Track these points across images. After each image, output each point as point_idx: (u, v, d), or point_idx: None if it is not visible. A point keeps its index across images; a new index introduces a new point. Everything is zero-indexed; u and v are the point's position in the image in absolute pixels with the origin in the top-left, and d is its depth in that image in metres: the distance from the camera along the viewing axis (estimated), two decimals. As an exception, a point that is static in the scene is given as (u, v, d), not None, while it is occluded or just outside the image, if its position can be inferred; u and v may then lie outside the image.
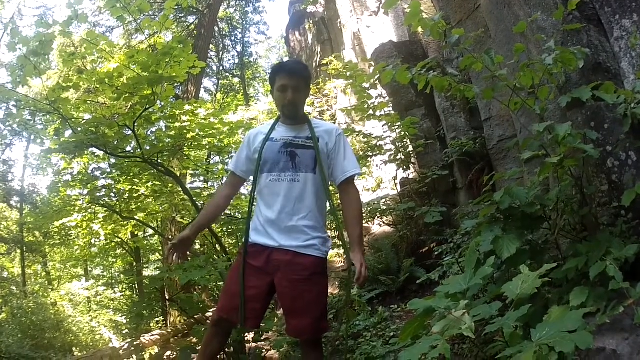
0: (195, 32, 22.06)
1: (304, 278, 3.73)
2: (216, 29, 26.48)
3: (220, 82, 33.82)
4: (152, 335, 12.10)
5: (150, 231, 16.50)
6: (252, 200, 4.00)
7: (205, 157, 14.12)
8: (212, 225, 8.11)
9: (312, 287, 3.78)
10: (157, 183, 8.78)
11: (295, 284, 3.73)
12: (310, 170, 3.86)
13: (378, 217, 9.84)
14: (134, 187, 8.76)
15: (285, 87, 3.87)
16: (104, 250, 19.28)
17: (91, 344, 19.00)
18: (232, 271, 4.04)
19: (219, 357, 4.92)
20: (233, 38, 32.85)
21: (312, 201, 3.85)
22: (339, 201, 11.08)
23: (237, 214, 10.64)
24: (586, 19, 4.49)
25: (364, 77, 9.25)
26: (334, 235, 13.19)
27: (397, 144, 9.33)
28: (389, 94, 10.12)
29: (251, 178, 4.09)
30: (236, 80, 34.82)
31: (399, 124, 8.99)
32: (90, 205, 9.16)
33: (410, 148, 9.32)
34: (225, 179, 4.17)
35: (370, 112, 9.50)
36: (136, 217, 9.50)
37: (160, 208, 9.95)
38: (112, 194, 9.02)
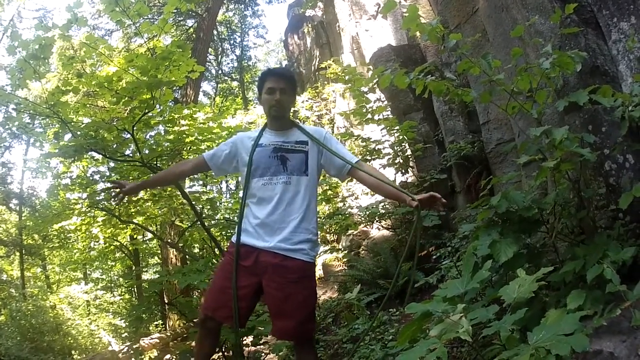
0: (194, 35, 22.06)
1: (292, 281, 3.79)
2: (215, 32, 26.49)
3: (219, 85, 33.86)
4: (151, 338, 12.11)
5: (149, 235, 16.48)
6: (243, 204, 4.01)
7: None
8: (212, 230, 8.13)
9: (299, 290, 3.83)
10: (155, 187, 8.78)
11: (283, 287, 3.78)
12: (301, 173, 3.93)
13: (377, 221, 9.85)
14: (133, 190, 8.75)
15: (273, 90, 3.99)
16: (103, 253, 19.28)
17: (90, 347, 19.03)
18: (217, 269, 4.16)
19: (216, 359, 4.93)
20: (232, 41, 32.91)
21: (304, 203, 3.90)
22: (340, 204, 11.10)
23: (235, 217, 10.63)
24: (584, 22, 4.51)
25: (362, 80, 9.27)
26: (333, 239, 13.23)
27: (396, 148, 9.34)
28: (388, 97, 10.13)
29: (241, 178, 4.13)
30: (235, 83, 34.85)
31: (397, 127, 9.01)
32: (89, 208, 9.16)
33: (409, 152, 9.33)
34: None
35: (369, 116, 9.52)
36: (135, 221, 9.49)
37: (159, 212, 9.94)
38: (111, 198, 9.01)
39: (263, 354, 6.84)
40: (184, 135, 7.67)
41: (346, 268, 10.35)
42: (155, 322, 16.54)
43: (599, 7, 4.49)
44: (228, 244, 4.25)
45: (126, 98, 6.68)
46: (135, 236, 13.95)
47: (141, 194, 8.94)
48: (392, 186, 4.06)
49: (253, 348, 6.76)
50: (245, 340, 6.61)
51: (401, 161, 9.24)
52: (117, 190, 4.36)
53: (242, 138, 4.17)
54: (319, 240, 4.14)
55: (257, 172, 3.93)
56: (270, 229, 3.82)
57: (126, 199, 8.72)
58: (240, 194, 4.20)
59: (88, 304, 23.90)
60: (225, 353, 6.08)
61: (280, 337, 4.07)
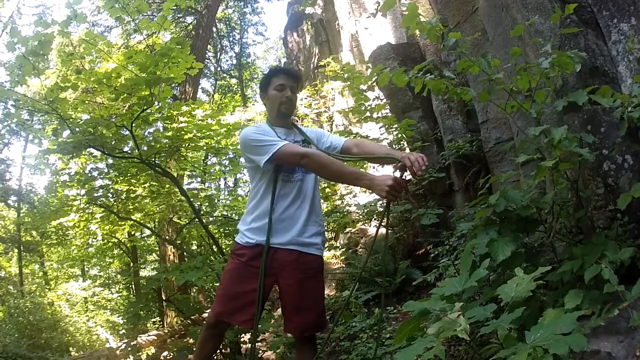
0: (193, 32, 22.04)
1: (309, 276, 3.85)
2: (214, 29, 26.47)
3: (217, 82, 33.82)
4: (149, 335, 12.11)
5: (147, 231, 16.48)
6: (273, 201, 3.87)
7: (202, 158, 14.13)
8: (210, 227, 8.13)
9: (315, 284, 3.94)
10: (154, 184, 8.78)
11: (302, 282, 3.82)
12: (309, 171, 3.94)
13: (375, 219, 9.85)
14: (131, 187, 8.76)
15: (283, 86, 4.01)
16: (101, 250, 19.27)
17: (88, 344, 18.99)
18: (227, 272, 4.05)
19: (214, 358, 4.93)
20: (231, 39, 32.91)
21: (314, 199, 3.98)
22: (338, 202, 11.09)
23: (234, 215, 10.64)
24: (584, 22, 4.51)
25: (361, 78, 9.26)
26: (331, 237, 13.24)
27: (394, 146, 9.33)
28: (386, 96, 10.12)
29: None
30: (234, 81, 34.84)
31: (396, 126, 9.01)
32: (87, 205, 9.15)
33: (407, 150, 9.32)
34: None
35: (368, 114, 9.52)
36: (133, 218, 9.50)
37: (157, 209, 9.94)
38: (110, 195, 9.01)
39: (260, 351, 6.84)
40: (183, 132, 7.68)
41: (344, 266, 10.36)
42: (153, 319, 16.52)
43: (599, 7, 4.50)
44: (234, 245, 4.17)
45: (125, 95, 6.69)
46: (133, 233, 13.96)
47: (139, 190, 8.95)
48: (380, 157, 4.05)
49: (250, 345, 6.74)
50: (242, 337, 6.60)
51: (399, 159, 9.22)
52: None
53: (265, 133, 3.97)
54: (325, 232, 4.16)
55: (277, 169, 3.90)
56: (285, 224, 3.83)
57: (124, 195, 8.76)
58: (239, 191, 4.16)
59: (86, 300, 23.88)
60: (223, 350, 6.08)
61: (301, 332, 3.99)
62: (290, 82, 4.05)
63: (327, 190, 11.28)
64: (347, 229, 11.75)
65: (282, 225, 3.83)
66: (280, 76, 4.08)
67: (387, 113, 9.87)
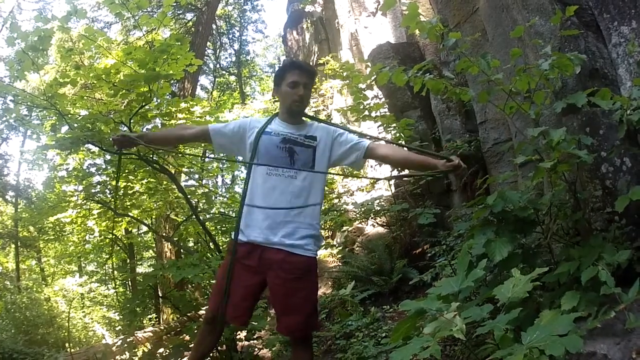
0: (193, 29, 22.06)
1: (296, 277, 3.75)
2: (214, 26, 26.47)
3: (216, 79, 33.81)
4: (145, 332, 12.10)
5: (145, 228, 16.47)
6: (245, 188, 3.93)
7: (200, 155, 14.12)
8: (207, 224, 8.12)
9: (303, 285, 3.82)
10: (152, 180, 8.78)
11: (288, 283, 3.75)
12: (308, 169, 3.87)
13: (372, 218, 9.85)
14: (129, 183, 8.76)
15: (296, 83, 3.90)
16: (97, 246, 19.26)
17: (84, 340, 18.99)
18: (222, 268, 4.06)
19: (211, 355, 4.92)
20: (230, 36, 32.93)
21: (308, 198, 3.85)
22: (335, 200, 11.06)
23: (231, 212, 10.64)
24: (584, 24, 4.51)
25: (360, 77, 9.25)
26: (327, 235, 13.25)
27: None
28: (385, 95, 10.12)
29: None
30: (233, 78, 34.82)
31: (394, 125, 9.00)
32: (85, 201, 9.15)
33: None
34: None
35: (366, 112, 9.52)
36: (130, 214, 9.49)
37: (155, 205, 9.94)
38: (107, 191, 9.01)
39: (256, 349, 6.84)
40: (181, 129, 7.67)
41: (340, 264, 10.36)
42: (149, 316, 16.53)
43: (600, 10, 4.50)
44: (230, 243, 4.17)
45: (124, 91, 6.68)
46: (130, 229, 13.96)
47: (137, 187, 8.94)
48: (417, 150, 4.05)
49: (246, 343, 6.74)
50: (238, 335, 6.60)
51: (398, 158, 9.22)
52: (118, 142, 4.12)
53: (252, 122, 4.08)
54: (321, 235, 4.10)
55: (262, 161, 3.86)
56: (273, 223, 3.76)
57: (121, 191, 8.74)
58: (237, 188, 4.15)
59: (82, 296, 23.86)
60: (219, 347, 6.07)
61: (288, 333, 3.99)
62: (304, 78, 3.94)
63: (324, 188, 11.27)
64: (344, 228, 11.75)
65: (270, 224, 3.78)
66: (295, 72, 3.95)
67: (385, 112, 9.87)
